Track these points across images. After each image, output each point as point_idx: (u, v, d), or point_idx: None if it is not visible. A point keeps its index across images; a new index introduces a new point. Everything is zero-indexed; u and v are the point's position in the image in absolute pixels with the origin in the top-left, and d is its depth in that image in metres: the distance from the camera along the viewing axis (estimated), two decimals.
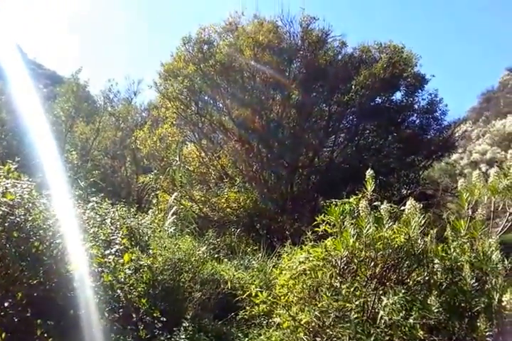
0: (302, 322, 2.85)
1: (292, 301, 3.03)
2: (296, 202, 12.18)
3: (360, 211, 2.91)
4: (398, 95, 13.46)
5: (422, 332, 2.45)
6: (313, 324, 2.82)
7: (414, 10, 75.29)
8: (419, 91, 13.28)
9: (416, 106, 13.52)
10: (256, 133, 12.15)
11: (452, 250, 2.74)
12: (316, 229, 3.15)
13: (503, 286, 2.45)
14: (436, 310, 2.45)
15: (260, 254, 6.58)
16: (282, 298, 3.09)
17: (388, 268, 2.88)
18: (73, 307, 2.96)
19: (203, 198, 11.53)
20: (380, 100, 13.29)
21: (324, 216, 3.06)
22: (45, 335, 2.79)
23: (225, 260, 6.01)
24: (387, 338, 2.51)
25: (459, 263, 2.67)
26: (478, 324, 2.38)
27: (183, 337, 3.79)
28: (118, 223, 4.36)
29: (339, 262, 2.91)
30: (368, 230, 2.77)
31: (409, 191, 13.03)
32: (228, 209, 11.04)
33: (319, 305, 2.75)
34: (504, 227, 3.08)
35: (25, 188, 3.18)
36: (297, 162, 12.76)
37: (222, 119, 12.75)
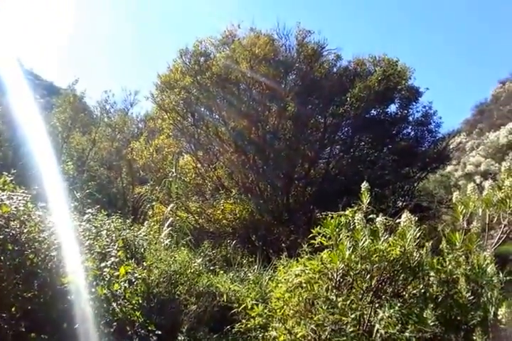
0: (298, 336, 2.82)
1: (288, 314, 3.01)
2: (292, 213, 12.17)
3: (356, 223, 2.92)
4: (393, 107, 13.64)
5: None
6: (309, 337, 2.79)
7: (408, 23, 76.61)
8: (414, 103, 13.46)
9: (410, 119, 13.67)
10: (252, 145, 12.20)
11: (448, 263, 2.74)
12: (312, 241, 3.15)
13: (498, 299, 2.45)
14: (432, 323, 2.45)
15: (256, 266, 6.55)
16: (278, 311, 3.06)
17: (384, 281, 2.87)
18: (67, 320, 2.93)
19: (198, 209, 11.52)
20: (375, 112, 13.42)
21: (320, 228, 3.07)
22: None
23: (221, 272, 5.96)
24: None
25: (454, 276, 2.67)
26: (474, 337, 2.37)
27: None
28: (114, 235, 4.34)
29: (335, 275, 2.90)
30: (363, 243, 2.77)
31: (404, 203, 13.09)
32: (224, 221, 11.02)
33: (315, 319, 2.73)
34: (499, 239, 3.11)
35: (20, 200, 3.18)
36: (293, 173, 12.80)
37: (218, 131, 12.81)
